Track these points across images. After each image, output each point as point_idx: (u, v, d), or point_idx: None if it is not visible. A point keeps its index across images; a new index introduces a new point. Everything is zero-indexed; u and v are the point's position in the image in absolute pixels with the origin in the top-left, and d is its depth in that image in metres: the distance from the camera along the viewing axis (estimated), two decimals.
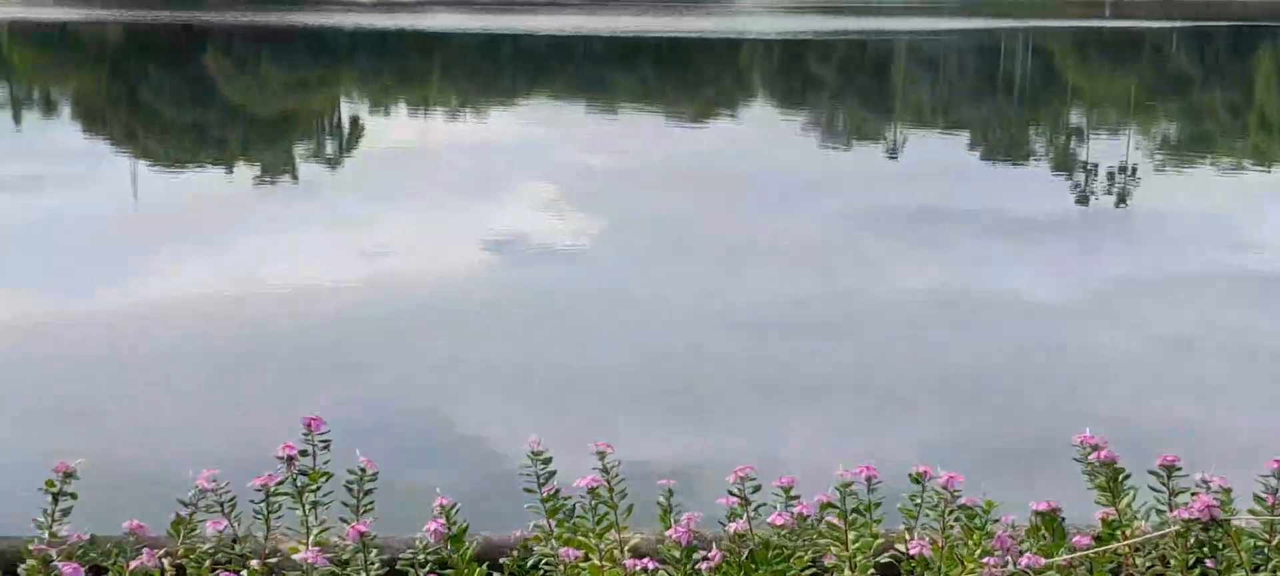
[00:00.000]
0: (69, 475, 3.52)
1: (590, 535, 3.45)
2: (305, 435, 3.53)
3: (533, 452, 3.56)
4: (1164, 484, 3.46)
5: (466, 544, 3.35)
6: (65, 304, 11.55)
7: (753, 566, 3.28)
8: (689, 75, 43.20)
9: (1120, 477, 3.41)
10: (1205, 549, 3.15)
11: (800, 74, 42.69)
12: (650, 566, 3.13)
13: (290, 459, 3.50)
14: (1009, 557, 3.05)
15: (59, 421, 8.48)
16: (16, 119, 28.05)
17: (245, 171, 20.79)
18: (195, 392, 9.14)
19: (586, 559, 3.36)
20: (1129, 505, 3.41)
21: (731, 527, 3.34)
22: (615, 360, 10.08)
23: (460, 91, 35.79)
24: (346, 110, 30.77)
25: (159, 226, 15.55)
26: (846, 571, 3.30)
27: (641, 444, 7.84)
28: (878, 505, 3.51)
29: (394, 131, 26.26)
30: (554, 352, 10.13)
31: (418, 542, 3.35)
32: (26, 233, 14.95)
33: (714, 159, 22.57)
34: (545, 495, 3.51)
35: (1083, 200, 18.92)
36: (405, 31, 58.73)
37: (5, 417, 8.50)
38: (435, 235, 15.01)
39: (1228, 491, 3.38)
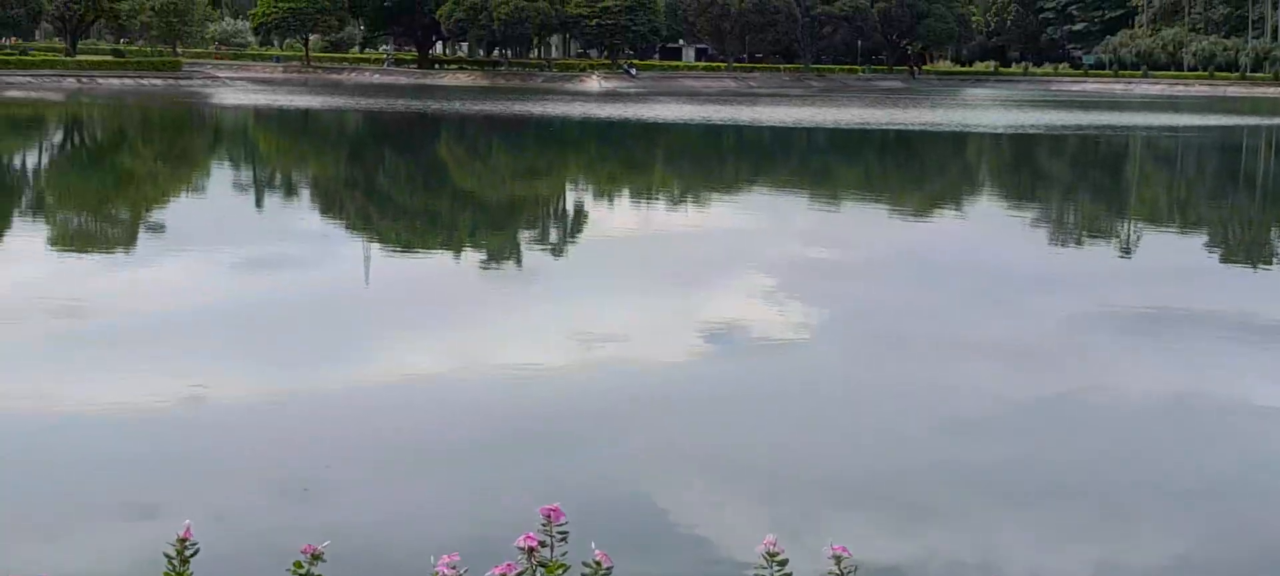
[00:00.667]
0: (316, 557, 3.50)
1: None
2: (544, 525, 3.45)
3: (769, 553, 3.42)
4: None
5: None
6: (297, 381, 11.86)
7: None
8: (914, 167, 42.73)
9: None
10: None
11: (1030, 168, 41.82)
12: None
13: (531, 550, 3.42)
14: None
15: (289, 499, 8.65)
16: (258, 202, 29.24)
17: (472, 255, 21.22)
18: (421, 473, 9.25)
19: None
20: None
21: None
22: (833, 454, 9.87)
23: (683, 179, 36.05)
24: (571, 197, 31.25)
25: (388, 308, 15.93)
26: None
27: (862, 543, 7.61)
28: None
29: (616, 218, 26.54)
30: (772, 444, 9.98)
31: None
32: (263, 310, 15.48)
33: (939, 252, 22.18)
34: None
35: None
36: (630, 121, 59.59)
37: (239, 492, 8.72)
38: (655, 322, 15.02)
39: None
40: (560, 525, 3.47)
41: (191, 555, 3.50)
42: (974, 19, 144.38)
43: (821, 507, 8.60)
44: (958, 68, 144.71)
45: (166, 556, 3.45)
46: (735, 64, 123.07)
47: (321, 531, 6.92)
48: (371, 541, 7.63)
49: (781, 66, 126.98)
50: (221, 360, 12.53)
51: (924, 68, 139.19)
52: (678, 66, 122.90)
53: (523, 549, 3.42)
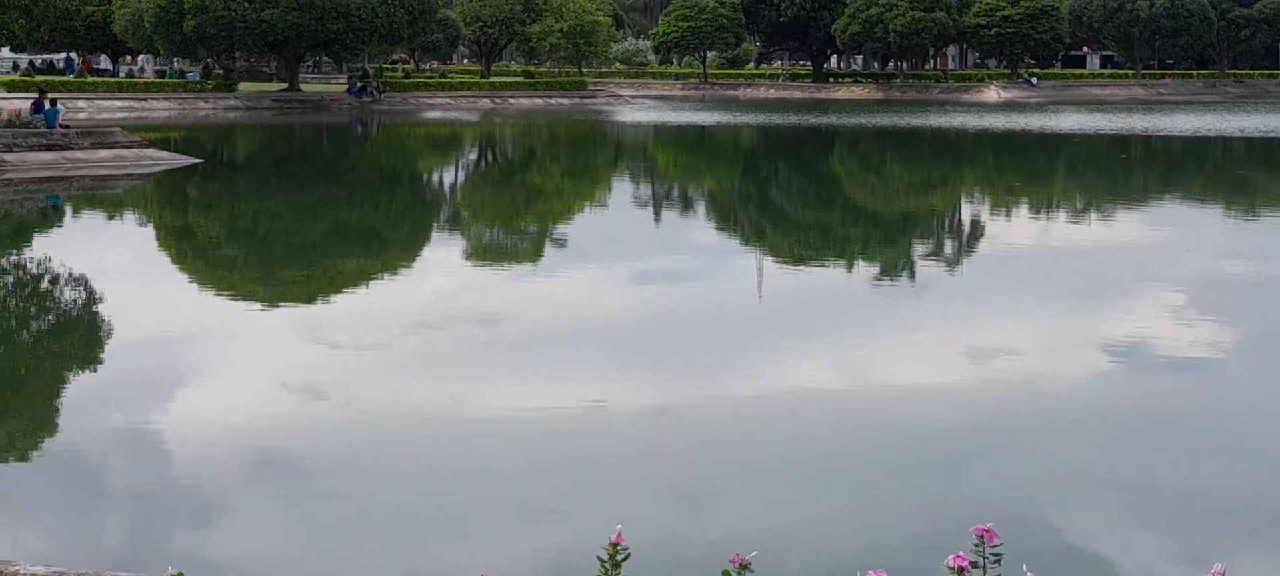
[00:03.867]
0: (744, 567, 3.56)
1: None
2: (976, 546, 3.40)
3: None
4: None
5: None
6: (692, 391, 12.11)
7: None
8: None
9: None
10: None
11: None
12: None
13: (961, 570, 3.38)
14: None
15: (687, 506, 8.84)
16: (657, 216, 30.04)
17: (865, 269, 21.14)
18: (816, 485, 9.29)
19: None
20: None
21: None
22: (1248, 482, 9.30)
23: (1086, 191, 34.78)
24: (967, 210, 30.67)
25: (781, 320, 16.06)
26: None
27: None
28: None
29: (1015, 231, 25.86)
30: (1174, 471, 9.50)
31: None
32: (660, 321, 15.90)
33: None
34: None
35: None
36: (1030, 132, 57.96)
37: (639, 499, 8.97)
38: (1050, 338, 14.55)
39: None
40: (994, 546, 3.40)
41: (623, 559, 3.63)
42: None
43: (1236, 537, 8.12)
44: None
45: (600, 560, 3.58)
46: (1144, 71, 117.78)
47: (720, 540, 7.06)
48: (776, 553, 7.70)
49: (1194, 72, 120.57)
50: (621, 369, 12.94)
51: None
52: (1081, 75, 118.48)
53: (953, 569, 3.36)
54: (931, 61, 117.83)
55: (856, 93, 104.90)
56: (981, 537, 3.36)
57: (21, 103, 43.47)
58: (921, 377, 12.36)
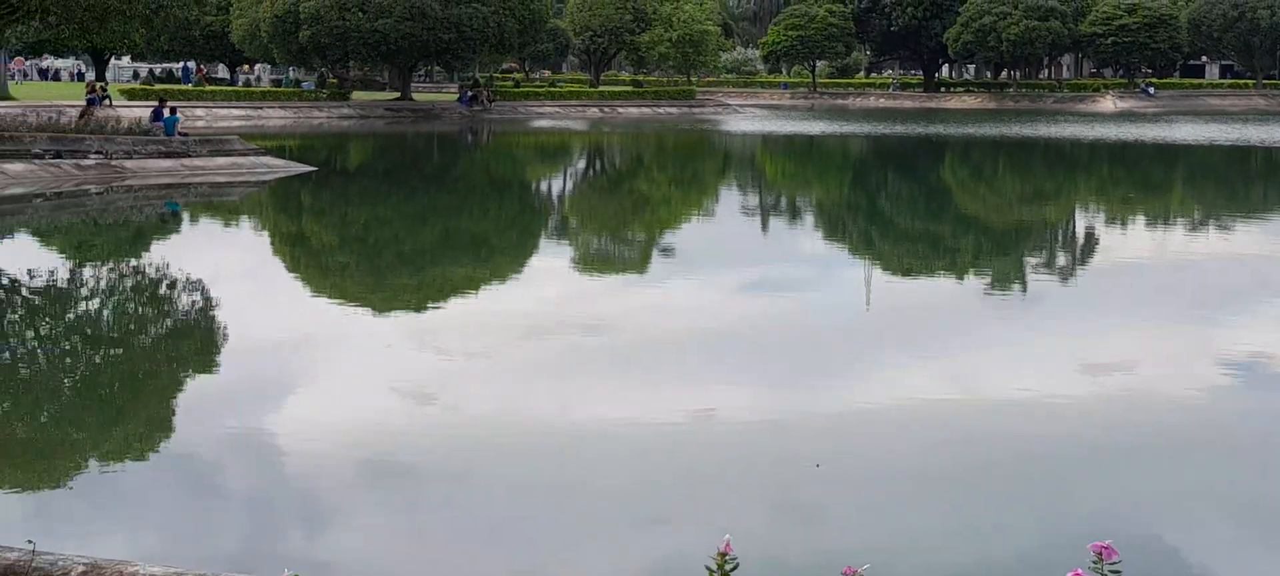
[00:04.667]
0: None
1: None
2: (1094, 563, 3.34)
3: None
4: None
5: None
6: (799, 402, 12.06)
7: None
8: None
9: None
10: None
11: None
12: None
13: None
14: None
15: (794, 518, 8.81)
16: (764, 225, 29.97)
17: (975, 280, 20.90)
18: (925, 499, 9.20)
19: None
20: None
21: None
22: None
23: (1204, 203, 34.10)
24: (1081, 221, 30.22)
25: (889, 331, 15.93)
26: None
27: None
28: None
29: (1129, 244, 25.42)
30: None
31: None
32: (767, 331, 15.86)
33: None
34: None
35: None
36: (1146, 142, 56.98)
37: (745, 509, 8.96)
38: (1167, 352, 14.27)
39: None
40: (1113, 564, 3.34)
41: (732, 570, 3.64)
42: None
43: None
44: None
45: (708, 570, 3.59)
46: (1265, 81, 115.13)
47: (828, 553, 7.02)
48: (886, 567, 7.62)
49: None
50: (729, 379, 12.92)
51: None
52: (1200, 84, 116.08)
53: None
54: (1046, 71, 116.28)
55: (969, 102, 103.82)
56: (1100, 555, 3.29)
57: (142, 111, 44.49)
58: (1033, 391, 12.19)
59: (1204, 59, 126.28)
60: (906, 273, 21.81)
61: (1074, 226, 29.19)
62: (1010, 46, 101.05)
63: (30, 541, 5.23)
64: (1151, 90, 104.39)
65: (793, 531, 8.51)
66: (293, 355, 14.16)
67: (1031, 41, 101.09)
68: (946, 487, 9.47)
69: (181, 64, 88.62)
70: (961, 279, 21.01)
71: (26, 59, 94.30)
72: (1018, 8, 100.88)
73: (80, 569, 5.09)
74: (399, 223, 28.24)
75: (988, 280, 20.94)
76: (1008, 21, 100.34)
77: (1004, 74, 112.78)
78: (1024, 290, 19.55)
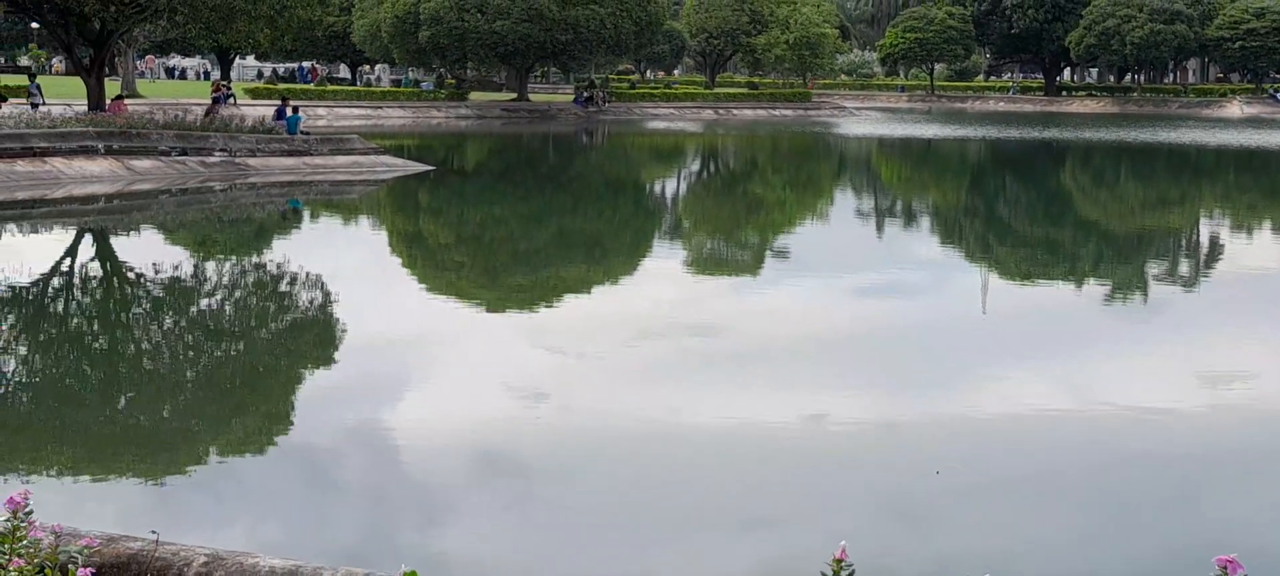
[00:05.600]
0: None
1: None
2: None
3: None
4: None
5: None
6: (912, 407, 11.97)
7: None
8: None
9: None
10: None
11: None
12: None
13: None
14: None
15: (903, 524, 8.75)
16: (879, 228, 29.75)
17: (1094, 288, 20.55)
18: (1038, 507, 9.08)
19: None
20: None
21: None
22: None
23: None
24: (1204, 228, 29.58)
25: (1003, 338, 15.73)
26: None
27: None
28: None
29: (1253, 252, 24.84)
30: None
31: None
32: (881, 335, 15.74)
33: None
34: None
35: None
36: (1272, 149, 55.60)
37: (856, 514, 8.91)
38: None
39: None
40: None
41: (847, 575, 3.64)
42: None
43: None
44: None
45: (823, 575, 3.60)
46: None
47: (941, 561, 6.97)
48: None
49: None
50: (841, 384, 12.86)
51: None
52: None
53: None
54: (1170, 75, 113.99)
55: (1091, 106, 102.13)
56: (1225, 569, 3.22)
57: (265, 109, 45.35)
58: (1154, 401, 11.97)
59: None
60: (1024, 279, 21.51)
61: (1197, 234, 28.59)
62: (1134, 50, 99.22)
63: (154, 531, 5.36)
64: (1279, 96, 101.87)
65: (904, 538, 8.44)
66: (408, 352, 14.35)
67: (1156, 45, 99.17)
68: (1066, 498, 9.34)
69: (298, 64, 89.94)
70: (1080, 286, 20.68)
71: (155, 58, 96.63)
72: (1142, 11, 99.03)
73: (202, 559, 5.21)
74: (514, 222, 28.47)
75: (1108, 288, 20.58)
76: (1132, 25, 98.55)
77: (1127, 78, 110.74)
78: (1145, 298, 19.19)
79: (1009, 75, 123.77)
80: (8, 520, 4.32)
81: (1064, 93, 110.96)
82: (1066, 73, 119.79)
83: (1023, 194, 38.77)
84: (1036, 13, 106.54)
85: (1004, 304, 18.72)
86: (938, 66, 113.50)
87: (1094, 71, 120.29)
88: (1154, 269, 22.65)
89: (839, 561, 3.53)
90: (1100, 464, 10.16)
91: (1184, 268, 23.06)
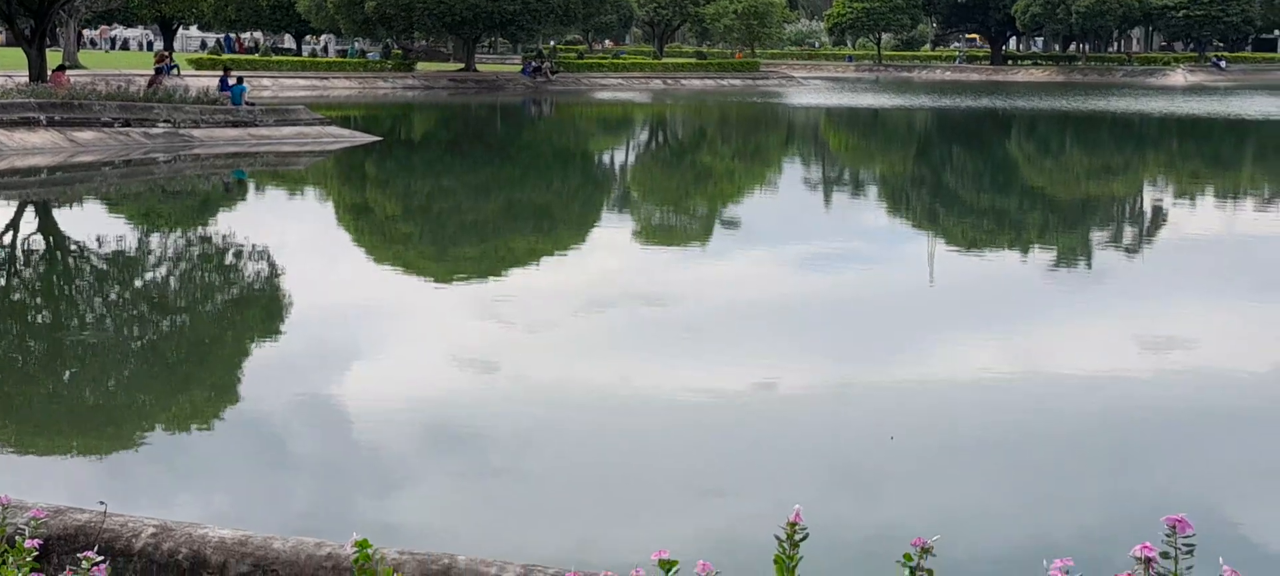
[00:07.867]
0: (926, 551, 3.55)
1: None
2: (1168, 536, 3.29)
3: None
4: None
5: None
6: (859, 375, 12.03)
7: None
8: None
9: None
10: None
11: None
12: None
13: (1148, 561, 3.27)
14: None
15: (853, 492, 8.81)
16: (827, 198, 29.85)
17: (1039, 256, 20.71)
18: (985, 472, 9.16)
19: None
20: None
21: None
22: None
23: (1275, 180, 33.59)
24: (1147, 196, 29.86)
25: (950, 306, 15.84)
26: None
27: None
28: None
29: (1197, 220, 25.11)
30: None
31: None
32: (828, 305, 15.82)
33: None
34: None
35: None
36: (1216, 117, 56.18)
37: (804, 482, 8.95)
38: (1234, 328, 14.11)
39: None
40: (1186, 537, 3.28)
41: (802, 539, 3.63)
42: None
43: None
44: None
45: (778, 538, 3.60)
46: None
47: (892, 526, 7.02)
48: (953, 540, 7.59)
49: None
50: (791, 352, 12.90)
51: None
52: (1273, 58, 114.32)
53: (1140, 559, 3.25)
54: (1115, 44, 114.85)
55: (1036, 75, 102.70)
56: (1174, 528, 3.23)
57: (210, 80, 44.89)
58: (1101, 365, 12.09)
59: (1277, 33, 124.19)
60: (971, 247, 21.65)
61: (1141, 202, 28.86)
62: (1079, 19, 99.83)
63: (102, 503, 5.31)
64: (1223, 64, 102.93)
65: (855, 504, 8.50)
66: (357, 324, 14.28)
67: (1101, 14, 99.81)
68: (1015, 461, 9.42)
69: (225, 34, 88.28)
70: (1027, 254, 20.84)
71: (108, 28, 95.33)
72: None
73: (150, 530, 5.17)
74: (462, 193, 28.36)
75: (1053, 255, 20.75)
76: None
77: (1072, 47, 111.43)
78: (1090, 266, 19.36)
79: (955, 45, 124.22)
80: None
81: (1010, 62, 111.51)
82: (1012, 42, 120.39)
83: (969, 163, 38.99)
84: None
85: (951, 272, 18.83)
86: (885, 36, 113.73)
87: (1039, 41, 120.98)
88: (1099, 236, 22.85)
89: (793, 525, 3.54)
90: (1049, 429, 10.26)
91: (1128, 235, 23.28)
